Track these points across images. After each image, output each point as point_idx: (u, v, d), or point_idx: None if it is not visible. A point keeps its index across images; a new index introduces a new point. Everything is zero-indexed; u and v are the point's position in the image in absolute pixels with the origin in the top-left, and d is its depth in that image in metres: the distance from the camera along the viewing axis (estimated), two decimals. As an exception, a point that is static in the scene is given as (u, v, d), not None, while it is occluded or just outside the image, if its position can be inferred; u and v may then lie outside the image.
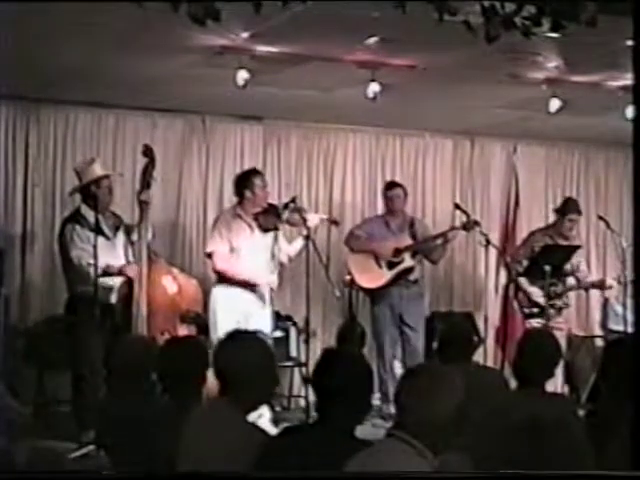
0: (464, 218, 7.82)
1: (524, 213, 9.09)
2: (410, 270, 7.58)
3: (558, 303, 7.67)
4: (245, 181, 6.89)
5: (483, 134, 9.06)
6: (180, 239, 8.20)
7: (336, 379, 3.18)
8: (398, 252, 7.53)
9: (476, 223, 7.60)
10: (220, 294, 6.76)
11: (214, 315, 6.71)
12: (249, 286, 6.76)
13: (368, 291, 7.68)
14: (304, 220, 6.80)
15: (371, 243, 7.60)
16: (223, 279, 6.79)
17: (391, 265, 7.54)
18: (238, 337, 3.68)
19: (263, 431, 3.48)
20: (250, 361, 3.50)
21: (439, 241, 7.66)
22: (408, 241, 7.60)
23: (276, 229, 6.91)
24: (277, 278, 7.01)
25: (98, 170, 6.48)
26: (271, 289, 6.94)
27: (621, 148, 8.78)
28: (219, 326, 6.60)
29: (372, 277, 7.56)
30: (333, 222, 7.50)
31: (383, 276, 7.53)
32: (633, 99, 5.17)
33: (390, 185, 7.90)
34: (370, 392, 3.33)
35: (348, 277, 7.65)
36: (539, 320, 7.48)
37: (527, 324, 7.63)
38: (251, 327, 6.43)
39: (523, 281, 7.68)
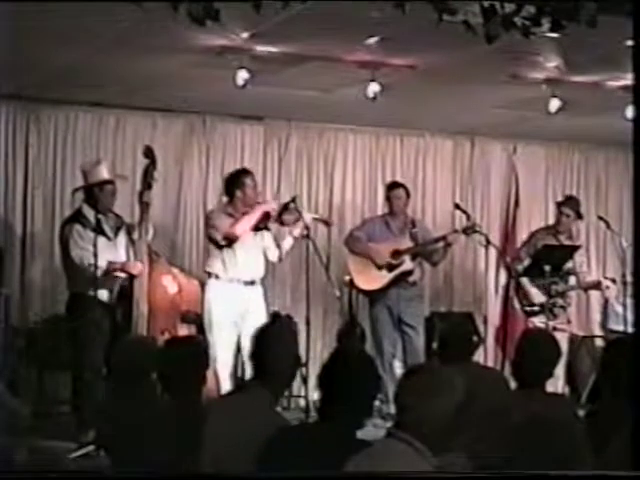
0: (464, 218, 7.82)
1: (524, 213, 9.10)
2: (409, 273, 7.56)
3: (559, 302, 7.67)
4: (235, 181, 6.88)
5: (483, 134, 9.06)
6: (180, 239, 8.20)
7: (343, 380, 3.19)
8: (398, 254, 7.51)
9: (478, 227, 7.58)
10: (214, 293, 6.72)
11: (208, 314, 6.68)
12: (239, 277, 6.74)
13: (367, 293, 7.67)
14: (297, 220, 6.81)
15: (371, 245, 7.58)
16: (218, 275, 6.75)
17: (390, 267, 7.53)
18: (274, 327, 3.76)
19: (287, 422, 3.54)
20: (287, 349, 3.64)
21: (440, 244, 7.63)
22: (408, 243, 7.57)
23: (266, 229, 6.92)
24: (263, 269, 6.97)
25: (104, 173, 6.45)
26: (263, 280, 6.93)
27: (621, 148, 8.77)
28: (214, 325, 6.59)
29: (371, 279, 7.54)
30: (324, 222, 7.46)
31: (382, 278, 7.52)
32: (633, 99, 5.18)
33: (392, 185, 7.87)
34: (375, 396, 3.34)
35: (348, 278, 7.64)
36: (541, 318, 7.47)
37: (529, 322, 7.62)
38: (247, 325, 6.48)
39: (524, 280, 7.68)
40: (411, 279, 7.60)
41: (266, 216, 6.86)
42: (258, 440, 3.22)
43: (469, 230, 7.56)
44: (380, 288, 7.51)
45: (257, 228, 6.87)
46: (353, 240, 7.67)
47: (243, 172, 7.00)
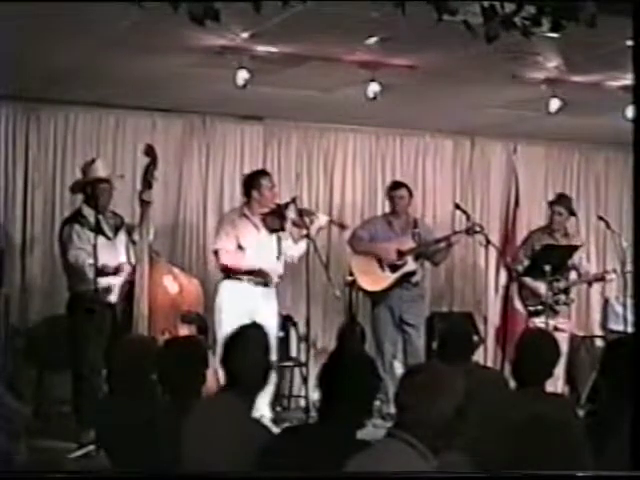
0: (464, 218, 7.83)
1: (524, 213, 9.10)
2: (412, 273, 7.56)
3: (562, 298, 7.68)
4: (253, 182, 6.91)
5: (483, 134, 9.06)
6: (180, 239, 8.20)
7: (343, 380, 3.19)
8: (401, 254, 7.51)
9: (480, 228, 7.59)
10: (226, 291, 6.78)
11: (219, 312, 6.73)
12: (255, 276, 6.76)
13: (369, 293, 7.66)
14: (311, 221, 6.83)
15: (374, 245, 7.56)
16: (229, 274, 6.81)
17: (393, 268, 7.52)
18: (245, 332, 3.75)
19: (266, 428, 3.53)
20: (256, 355, 3.62)
21: (442, 244, 7.64)
22: (411, 243, 7.57)
23: (282, 230, 6.94)
24: (282, 270, 7.04)
25: (98, 171, 6.50)
26: (277, 283, 6.96)
27: (621, 148, 8.78)
28: (224, 323, 6.62)
29: (375, 280, 7.53)
30: (340, 225, 7.47)
31: (385, 279, 7.51)
32: (633, 99, 5.17)
33: (395, 185, 7.84)
34: (375, 396, 3.34)
35: (350, 278, 7.62)
36: (543, 318, 7.47)
37: (530, 322, 7.63)
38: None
39: (527, 279, 7.69)
40: (414, 279, 7.60)
41: (280, 215, 6.88)
42: (232, 447, 3.25)
43: (471, 230, 7.56)
44: (384, 289, 7.51)
45: (272, 230, 6.90)
46: (357, 240, 7.66)
47: (260, 173, 7.05)
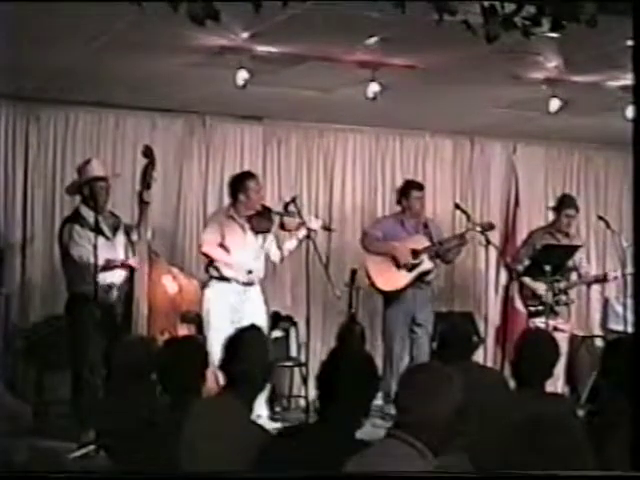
0: (464, 218, 7.84)
1: (524, 213, 9.10)
2: (428, 272, 7.57)
3: (563, 299, 7.69)
4: (239, 184, 6.91)
5: (483, 134, 9.06)
6: (180, 239, 8.20)
7: (342, 380, 3.19)
8: (416, 254, 7.51)
9: (491, 226, 7.62)
10: (213, 294, 6.78)
11: (207, 314, 6.73)
12: (239, 277, 6.76)
13: (383, 292, 7.63)
14: (301, 224, 6.83)
15: (389, 244, 7.54)
16: (214, 275, 6.80)
17: (410, 267, 7.51)
18: (243, 334, 3.76)
19: (266, 430, 3.54)
20: (254, 357, 3.63)
21: (454, 242, 7.65)
22: (424, 242, 7.56)
23: (268, 231, 6.94)
24: (263, 270, 7.05)
25: (94, 170, 6.50)
26: (262, 282, 6.97)
27: (621, 148, 8.76)
28: (212, 326, 6.62)
29: (392, 279, 7.50)
30: (326, 229, 7.46)
31: (403, 278, 7.49)
32: (633, 99, 5.18)
33: (415, 185, 7.77)
34: (374, 395, 3.34)
35: (367, 280, 7.57)
36: (544, 319, 7.47)
37: (530, 322, 7.63)
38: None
39: (527, 279, 7.69)
40: (428, 278, 7.61)
41: (267, 217, 6.89)
42: (232, 448, 3.26)
43: (485, 228, 7.59)
44: (400, 288, 7.50)
45: (259, 232, 6.90)
46: (370, 240, 7.63)
47: (247, 175, 7.03)
